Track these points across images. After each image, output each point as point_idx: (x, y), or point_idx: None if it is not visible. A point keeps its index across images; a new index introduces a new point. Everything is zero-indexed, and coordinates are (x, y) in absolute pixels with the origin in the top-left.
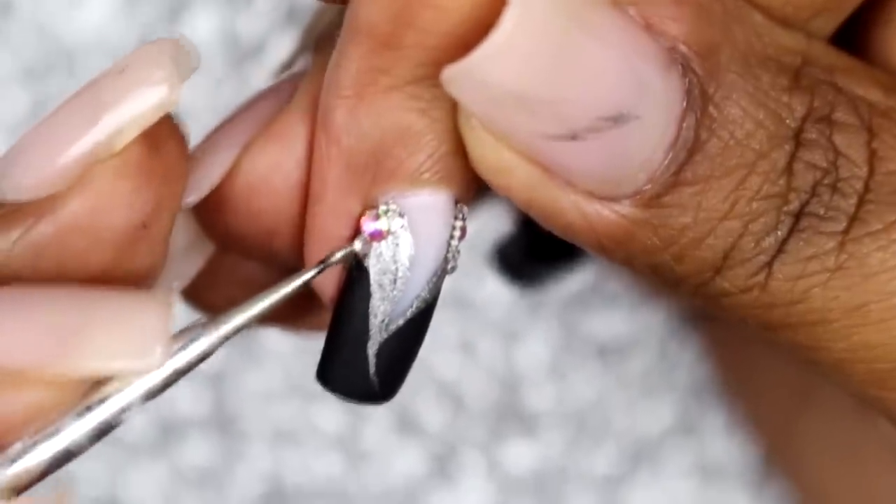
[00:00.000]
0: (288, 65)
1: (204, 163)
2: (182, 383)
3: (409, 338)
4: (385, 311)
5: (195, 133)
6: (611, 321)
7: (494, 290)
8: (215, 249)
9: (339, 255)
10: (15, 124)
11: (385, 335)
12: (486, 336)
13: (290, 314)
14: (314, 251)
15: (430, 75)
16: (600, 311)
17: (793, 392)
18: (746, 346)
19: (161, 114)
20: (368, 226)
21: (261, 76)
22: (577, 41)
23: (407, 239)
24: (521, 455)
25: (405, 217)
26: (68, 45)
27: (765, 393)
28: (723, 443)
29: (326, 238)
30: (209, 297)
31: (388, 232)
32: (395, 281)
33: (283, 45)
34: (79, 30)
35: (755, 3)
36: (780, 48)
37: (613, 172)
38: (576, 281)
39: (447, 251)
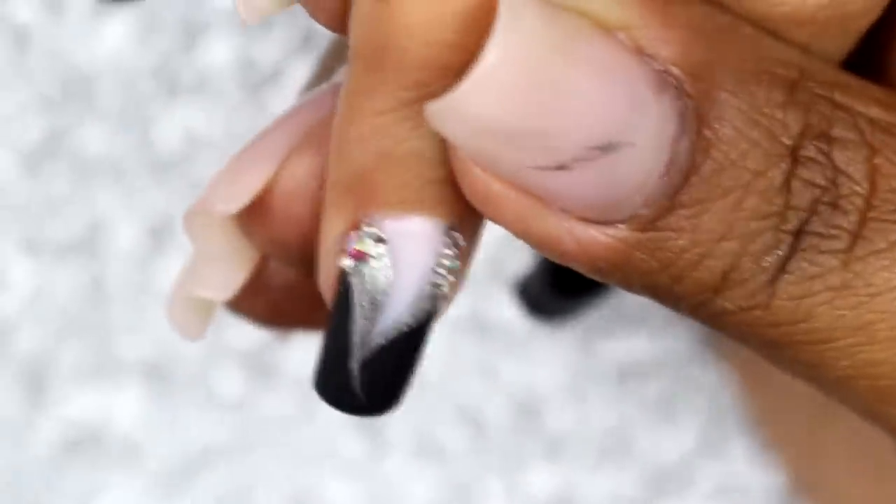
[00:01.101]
0: (311, 85)
1: (245, 171)
2: (200, 411)
3: (397, 357)
4: (364, 329)
5: (213, 160)
6: (631, 344)
7: (514, 313)
8: (259, 257)
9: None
10: (31, 152)
11: (366, 353)
12: (507, 360)
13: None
14: (319, 269)
15: (417, 100)
16: (620, 335)
17: (814, 410)
18: (766, 367)
19: None
20: (349, 246)
21: (277, 102)
22: (564, 71)
23: (385, 264)
24: (541, 479)
25: (385, 242)
26: (85, 73)
27: (786, 412)
28: (746, 466)
29: (323, 256)
30: (253, 304)
31: (368, 255)
32: (373, 303)
33: (299, 71)
34: (95, 57)
35: (749, 17)
36: (775, 61)
37: (607, 198)
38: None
39: (432, 279)
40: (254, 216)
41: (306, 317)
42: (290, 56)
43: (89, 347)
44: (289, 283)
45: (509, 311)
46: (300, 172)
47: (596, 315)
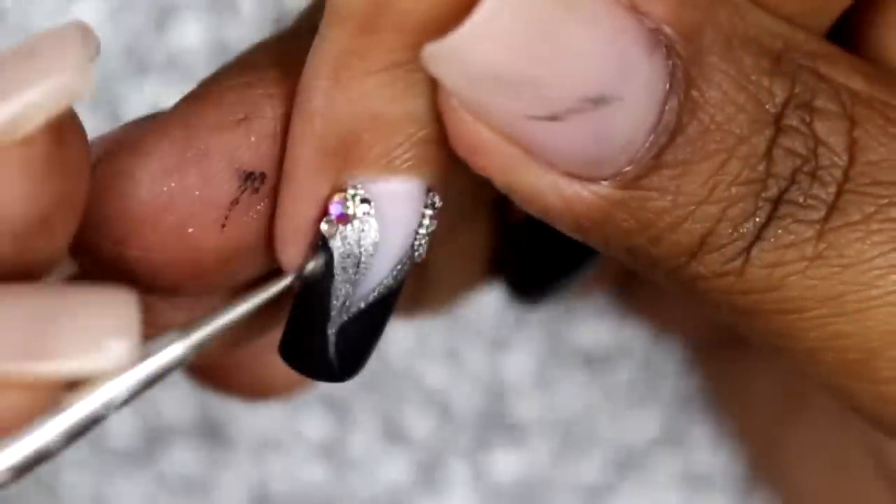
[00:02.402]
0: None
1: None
2: (167, 390)
3: (371, 321)
4: (346, 293)
5: None
6: (597, 331)
7: (481, 299)
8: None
9: (310, 266)
10: None
11: (345, 317)
12: (473, 345)
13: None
14: (283, 231)
15: (407, 62)
16: (587, 322)
17: (780, 402)
18: (734, 357)
19: (70, 102)
20: (334, 208)
21: None
22: (561, 21)
23: (372, 225)
24: (506, 464)
25: (372, 203)
26: None
27: (752, 403)
28: (709, 453)
29: (295, 218)
30: None
31: (354, 216)
32: (357, 265)
33: None
34: None
35: None
36: (763, 30)
37: (594, 153)
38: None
39: (414, 239)
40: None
41: None
42: (261, 36)
43: None
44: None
45: (476, 298)
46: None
47: (562, 302)
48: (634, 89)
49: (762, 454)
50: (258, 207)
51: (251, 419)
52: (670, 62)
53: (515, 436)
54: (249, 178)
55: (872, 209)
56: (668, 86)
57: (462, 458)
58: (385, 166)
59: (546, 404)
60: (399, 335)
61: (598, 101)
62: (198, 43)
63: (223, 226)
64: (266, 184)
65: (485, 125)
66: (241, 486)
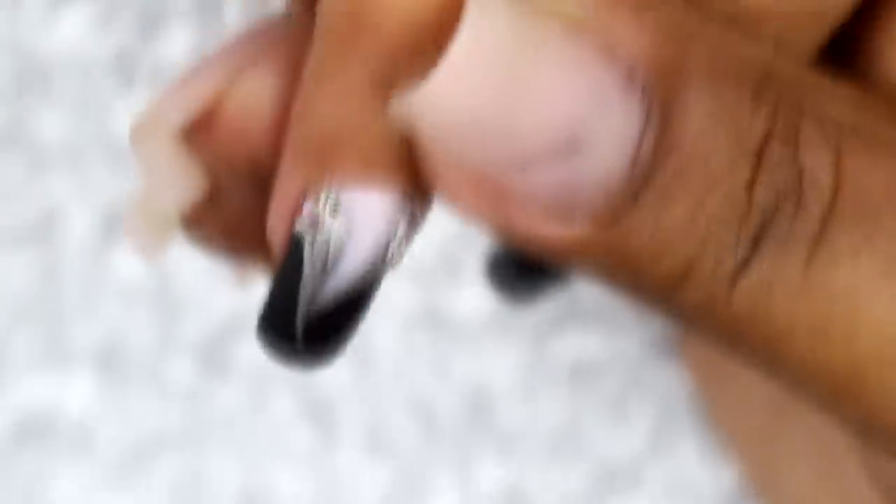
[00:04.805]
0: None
1: (196, 83)
2: (150, 403)
3: (341, 317)
4: (314, 288)
5: None
6: (584, 342)
7: (467, 308)
8: (209, 182)
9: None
10: None
11: (312, 310)
12: (459, 354)
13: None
14: (271, 219)
15: (388, 77)
16: (573, 332)
17: (771, 409)
18: (722, 366)
19: None
20: (305, 208)
21: None
22: (532, 68)
23: (339, 229)
24: (492, 475)
25: (342, 207)
26: (42, 62)
27: (742, 411)
28: (697, 466)
29: (277, 210)
30: (210, 225)
31: (324, 219)
32: (325, 266)
33: None
34: (53, 47)
35: (719, 11)
36: (744, 60)
37: (570, 196)
38: (549, 301)
39: (386, 247)
40: (202, 131)
41: (264, 241)
42: None
43: (41, 335)
44: (245, 206)
45: (462, 305)
46: (252, 88)
47: (548, 311)
48: (610, 130)
49: (754, 462)
50: None
51: (237, 427)
52: (646, 101)
53: (501, 446)
54: None
55: (860, 239)
56: (643, 125)
57: (447, 469)
58: (358, 174)
59: (532, 414)
60: (382, 342)
61: (573, 145)
62: (185, 54)
63: None
64: None
65: (456, 170)
66: (224, 497)
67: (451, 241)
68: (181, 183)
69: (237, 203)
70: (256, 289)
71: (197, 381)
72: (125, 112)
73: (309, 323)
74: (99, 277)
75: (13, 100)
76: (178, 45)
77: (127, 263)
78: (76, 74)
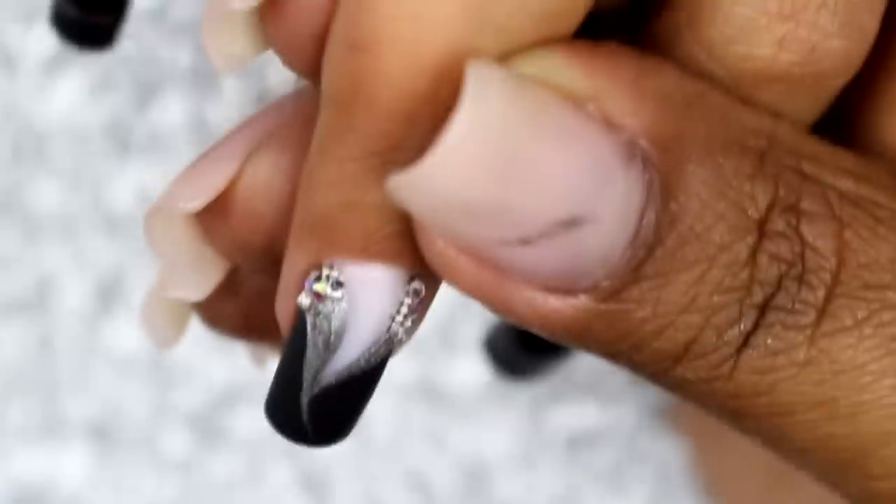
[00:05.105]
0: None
1: (207, 169)
2: (145, 473)
3: (346, 396)
4: (317, 367)
5: None
6: (581, 412)
7: (463, 379)
8: (229, 263)
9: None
10: None
11: (316, 390)
12: (455, 426)
13: None
14: (279, 292)
15: (384, 150)
16: (570, 403)
17: (769, 477)
18: (720, 435)
19: None
20: (308, 285)
21: None
22: (531, 146)
23: (342, 308)
24: None
25: (345, 286)
26: (37, 130)
27: (740, 479)
28: None
29: (283, 284)
30: (226, 312)
31: (326, 297)
32: (327, 344)
33: None
34: (47, 114)
35: (719, 81)
36: (745, 130)
37: (569, 271)
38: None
39: (389, 327)
40: (217, 216)
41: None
42: (243, 115)
43: (36, 405)
44: (261, 289)
45: (459, 377)
46: (263, 170)
47: (544, 382)
48: (610, 206)
49: None
50: None
51: (232, 499)
52: (647, 175)
53: None
54: None
55: (864, 314)
56: (645, 199)
57: None
58: (359, 253)
59: (529, 485)
60: (379, 413)
61: (572, 223)
62: (180, 121)
63: None
64: None
65: (455, 248)
66: None
67: (446, 314)
68: (197, 270)
69: (253, 287)
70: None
71: (192, 451)
72: (120, 180)
73: (313, 402)
74: (93, 347)
75: (8, 167)
76: (174, 114)
77: (121, 333)
78: (71, 142)
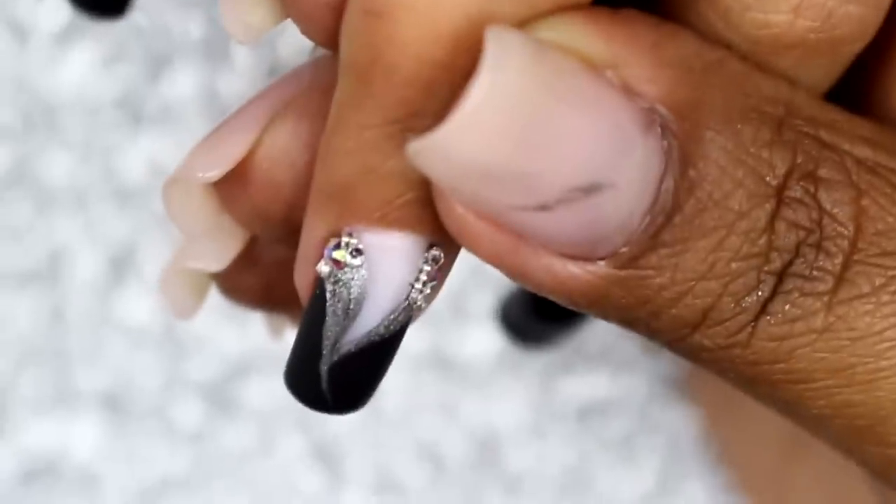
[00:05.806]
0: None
1: (225, 139)
2: (159, 442)
3: (366, 363)
4: (336, 335)
5: None
6: (592, 383)
7: (474, 350)
8: (244, 238)
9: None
10: None
11: (335, 357)
12: (467, 396)
13: None
14: (297, 261)
15: (403, 118)
16: (581, 373)
17: (781, 446)
18: (731, 405)
19: None
20: (327, 253)
21: None
22: (550, 112)
23: (361, 275)
24: None
25: (364, 254)
26: (48, 102)
27: (752, 449)
28: None
29: (302, 259)
30: (245, 282)
31: (345, 265)
32: (347, 311)
33: None
34: (59, 87)
35: (736, 48)
36: (763, 97)
37: (588, 238)
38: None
39: (408, 294)
40: (235, 185)
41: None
42: (254, 87)
43: (48, 377)
44: (280, 259)
45: (470, 348)
46: (282, 138)
47: (557, 353)
48: (628, 173)
49: (765, 500)
50: None
51: (244, 469)
52: (665, 142)
53: (509, 487)
54: None
55: (882, 280)
56: (663, 166)
57: None
58: (378, 220)
59: (540, 456)
60: (391, 385)
61: (591, 189)
62: (191, 94)
63: None
64: None
65: (474, 214)
66: None
67: (458, 284)
68: (216, 240)
69: (272, 257)
70: (263, 329)
71: (204, 422)
72: (132, 152)
73: (333, 370)
74: (105, 318)
75: (20, 139)
76: (185, 86)
77: (133, 304)
78: (82, 114)
